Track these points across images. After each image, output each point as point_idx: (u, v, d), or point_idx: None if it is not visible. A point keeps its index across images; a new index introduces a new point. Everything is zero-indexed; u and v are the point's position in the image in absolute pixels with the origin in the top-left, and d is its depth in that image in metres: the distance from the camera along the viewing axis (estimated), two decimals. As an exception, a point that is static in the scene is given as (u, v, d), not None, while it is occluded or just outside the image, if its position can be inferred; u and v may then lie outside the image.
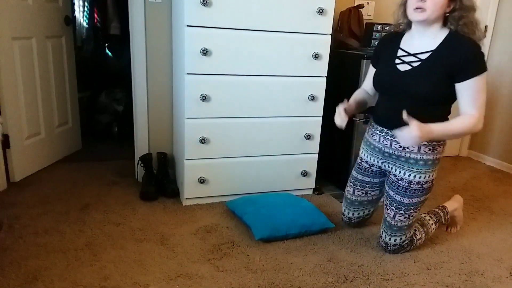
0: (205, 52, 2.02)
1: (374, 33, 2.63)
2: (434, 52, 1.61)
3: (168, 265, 1.71)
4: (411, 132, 1.49)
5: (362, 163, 1.92)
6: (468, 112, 1.59)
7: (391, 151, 1.76)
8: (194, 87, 2.07)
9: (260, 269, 1.71)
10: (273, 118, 2.27)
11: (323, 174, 2.61)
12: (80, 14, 3.67)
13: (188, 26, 1.98)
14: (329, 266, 1.76)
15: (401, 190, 1.75)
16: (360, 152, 1.95)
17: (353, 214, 2.02)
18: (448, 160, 3.40)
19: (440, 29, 1.62)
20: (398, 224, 1.79)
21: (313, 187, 2.51)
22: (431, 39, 1.63)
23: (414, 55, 1.66)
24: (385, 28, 2.65)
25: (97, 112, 3.57)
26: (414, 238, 1.87)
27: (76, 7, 3.62)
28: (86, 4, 3.66)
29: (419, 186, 1.72)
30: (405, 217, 1.78)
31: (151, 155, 2.49)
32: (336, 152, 2.59)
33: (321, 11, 2.15)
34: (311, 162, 2.42)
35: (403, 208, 1.76)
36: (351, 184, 1.98)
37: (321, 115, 2.34)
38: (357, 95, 1.90)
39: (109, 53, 3.86)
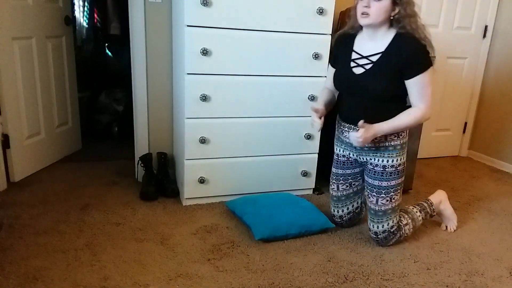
0: (205, 52, 2.02)
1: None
2: (383, 53, 1.73)
3: (168, 265, 1.71)
4: (356, 137, 1.68)
5: (339, 158, 2.00)
6: (416, 105, 1.74)
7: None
8: (194, 87, 2.07)
9: (260, 269, 1.71)
10: (273, 118, 2.27)
11: (323, 174, 2.60)
12: (80, 14, 3.67)
13: (188, 26, 1.98)
14: (329, 266, 1.76)
15: (378, 175, 1.85)
16: (335, 149, 2.03)
17: (342, 210, 2.05)
18: (448, 160, 3.40)
19: (387, 31, 1.74)
20: (382, 208, 1.86)
21: (313, 187, 2.51)
22: (379, 41, 1.75)
23: (366, 57, 1.77)
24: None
25: (97, 112, 3.57)
26: (401, 224, 1.92)
27: (76, 7, 3.62)
28: (86, 4, 3.66)
29: (394, 169, 1.83)
30: (387, 200, 1.85)
31: (151, 155, 2.49)
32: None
33: (321, 11, 2.15)
34: (311, 162, 2.42)
35: (383, 191, 1.85)
36: (333, 181, 2.05)
37: (321, 115, 2.34)
38: (324, 96, 1.98)
39: (109, 53, 3.86)
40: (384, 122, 1.73)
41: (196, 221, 2.10)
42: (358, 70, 1.79)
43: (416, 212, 2.00)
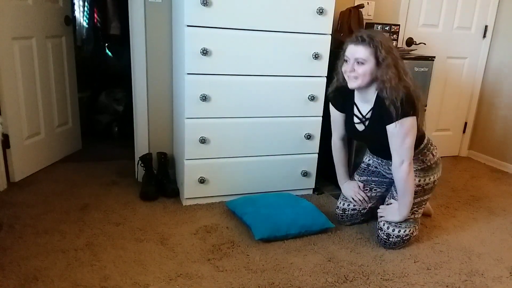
0: (205, 52, 2.02)
1: (374, 33, 2.63)
2: (373, 108, 1.80)
3: (168, 265, 1.71)
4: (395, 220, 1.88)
5: (370, 167, 2.09)
6: (397, 160, 1.75)
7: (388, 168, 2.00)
8: (194, 87, 2.07)
9: (260, 269, 1.71)
10: (273, 118, 2.27)
11: (323, 174, 2.60)
12: (80, 14, 3.67)
13: (188, 26, 1.98)
14: (329, 266, 1.76)
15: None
16: (367, 159, 2.10)
17: (348, 205, 2.07)
18: (448, 160, 3.40)
19: (374, 91, 1.77)
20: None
21: (313, 187, 2.51)
22: (371, 99, 1.80)
23: (363, 116, 1.86)
24: (385, 28, 2.65)
25: (97, 112, 3.57)
26: (413, 235, 1.93)
27: (76, 7, 3.62)
28: (86, 4, 3.66)
29: (420, 188, 1.90)
30: (411, 213, 1.90)
31: (151, 155, 2.48)
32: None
33: (321, 11, 2.15)
34: (311, 162, 2.42)
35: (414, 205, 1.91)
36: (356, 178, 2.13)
37: (321, 115, 2.34)
38: (342, 162, 2.11)
39: (109, 53, 3.85)
40: (400, 206, 1.85)
41: (196, 221, 2.10)
42: (360, 127, 1.89)
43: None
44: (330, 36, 2.23)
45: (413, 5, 2.98)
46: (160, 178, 2.42)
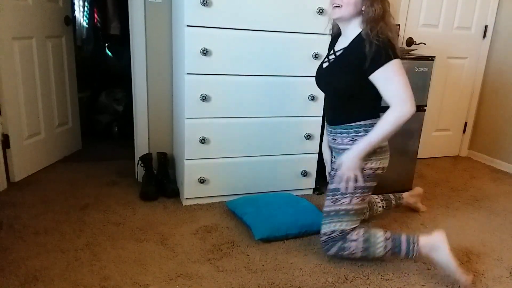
0: (205, 52, 2.02)
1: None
2: (346, 48, 1.68)
3: (168, 265, 1.71)
4: (343, 171, 1.66)
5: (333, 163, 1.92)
6: (390, 105, 1.58)
7: (333, 145, 1.84)
8: (194, 87, 2.07)
9: (260, 269, 1.71)
10: (273, 118, 2.27)
11: (323, 174, 2.60)
12: (80, 14, 3.67)
13: (188, 26, 1.98)
14: (329, 266, 1.76)
15: (331, 178, 1.77)
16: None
17: None
18: (448, 160, 3.40)
19: (355, 27, 1.65)
20: (326, 209, 1.75)
21: (313, 187, 2.51)
22: (349, 37, 1.67)
23: (334, 53, 1.74)
24: (385, 28, 2.65)
25: (97, 112, 3.57)
26: (348, 237, 1.71)
27: (76, 7, 3.62)
28: (86, 4, 3.66)
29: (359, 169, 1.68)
30: (332, 201, 1.72)
31: (151, 155, 2.48)
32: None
33: (321, 11, 2.15)
34: (311, 162, 2.42)
35: (330, 193, 1.75)
36: None
37: (321, 115, 2.34)
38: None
39: (109, 53, 3.85)
40: (362, 140, 1.63)
41: (196, 221, 2.10)
42: (325, 65, 1.77)
43: (379, 244, 1.69)
44: (330, 36, 2.22)
45: (413, 5, 2.98)
46: (160, 178, 2.42)
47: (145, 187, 2.34)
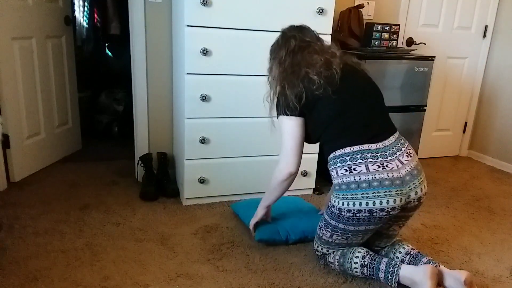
0: (205, 52, 2.02)
1: (374, 33, 2.63)
2: None
3: (168, 265, 1.71)
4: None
5: None
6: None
7: None
8: (194, 87, 2.07)
9: (260, 269, 1.71)
10: (273, 118, 2.26)
11: (323, 174, 2.60)
12: (80, 14, 3.67)
13: (188, 26, 1.98)
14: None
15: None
16: None
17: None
18: (448, 160, 3.40)
19: None
20: (317, 227, 1.72)
21: (313, 187, 2.51)
22: None
23: None
24: (385, 28, 2.65)
25: (97, 112, 3.57)
26: (327, 258, 1.68)
27: (76, 7, 3.62)
28: (86, 4, 3.66)
29: (330, 205, 1.58)
30: (319, 226, 1.67)
31: (151, 155, 2.48)
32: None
33: (321, 11, 2.15)
34: (311, 162, 2.42)
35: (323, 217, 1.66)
36: None
37: (321, 115, 2.34)
38: None
39: (109, 53, 3.86)
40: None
41: (196, 221, 2.10)
42: None
43: (355, 265, 1.58)
44: (330, 36, 2.22)
45: (413, 5, 2.98)
46: (160, 178, 2.42)
47: (145, 187, 2.34)
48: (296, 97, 1.56)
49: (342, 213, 1.50)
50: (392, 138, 1.54)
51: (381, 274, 1.52)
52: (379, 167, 1.45)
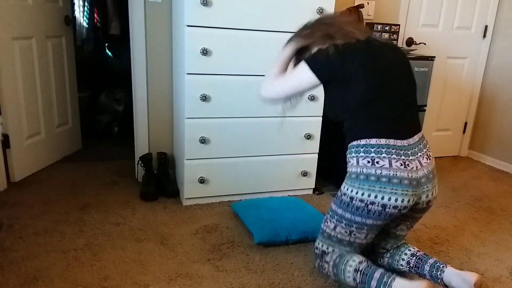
0: (205, 52, 2.02)
1: (374, 33, 2.63)
2: None
3: (168, 265, 1.71)
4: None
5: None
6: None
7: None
8: (194, 87, 2.07)
9: (260, 269, 1.71)
10: (273, 118, 2.27)
11: (323, 174, 2.61)
12: (80, 14, 3.67)
13: (188, 26, 1.98)
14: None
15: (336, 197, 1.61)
16: None
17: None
18: (448, 160, 3.40)
19: None
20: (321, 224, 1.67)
21: (313, 187, 2.51)
22: None
23: None
24: (385, 28, 2.65)
25: (97, 112, 3.57)
26: (325, 257, 1.60)
27: (76, 7, 3.62)
28: (86, 4, 3.66)
29: (340, 193, 1.53)
30: (324, 220, 1.61)
31: (151, 155, 2.48)
32: (336, 152, 2.59)
33: (321, 11, 2.15)
34: (311, 162, 2.42)
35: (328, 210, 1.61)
36: None
37: (321, 115, 2.34)
38: None
39: (109, 53, 3.86)
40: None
41: (196, 221, 2.10)
42: None
43: (351, 267, 1.49)
44: (330, 36, 2.22)
45: (413, 5, 2.98)
46: (160, 178, 2.42)
47: (145, 187, 2.34)
48: (333, 63, 1.46)
49: (353, 201, 1.47)
50: (416, 137, 1.52)
51: (373, 283, 1.45)
52: (401, 165, 1.44)
